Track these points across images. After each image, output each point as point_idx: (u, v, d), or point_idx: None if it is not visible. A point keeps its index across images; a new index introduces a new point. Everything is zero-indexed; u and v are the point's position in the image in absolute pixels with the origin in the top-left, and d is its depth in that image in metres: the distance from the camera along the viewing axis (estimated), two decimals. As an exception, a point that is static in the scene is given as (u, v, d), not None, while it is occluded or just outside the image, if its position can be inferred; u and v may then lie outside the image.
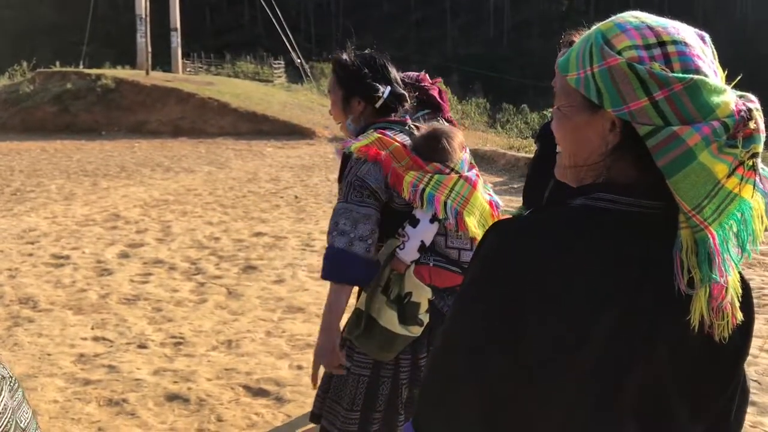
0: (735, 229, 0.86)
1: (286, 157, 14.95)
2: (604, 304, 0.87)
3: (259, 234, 7.26)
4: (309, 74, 28.77)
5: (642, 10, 0.97)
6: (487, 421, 0.91)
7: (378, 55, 2.26)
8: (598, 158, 0.93)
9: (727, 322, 0.89)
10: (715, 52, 0.93)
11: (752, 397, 3.56)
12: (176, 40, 28.52)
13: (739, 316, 0.90)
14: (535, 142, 3.50)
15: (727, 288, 0.87)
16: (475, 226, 2.11)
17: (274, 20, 28.96)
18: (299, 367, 3.85)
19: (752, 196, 0.87)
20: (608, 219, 0.90)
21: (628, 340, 0.88)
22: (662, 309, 0.89)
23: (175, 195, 9.73)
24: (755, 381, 3.72)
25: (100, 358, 3.97)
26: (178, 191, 10.08)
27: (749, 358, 4.14)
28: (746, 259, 0.89)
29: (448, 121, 2.93)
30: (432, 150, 2.11)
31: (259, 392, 3.57)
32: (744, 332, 0.94)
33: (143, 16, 25.14)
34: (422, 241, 2.09)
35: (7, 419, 0.98)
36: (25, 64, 26.11)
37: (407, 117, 2.30)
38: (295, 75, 31.29)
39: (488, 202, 2.21)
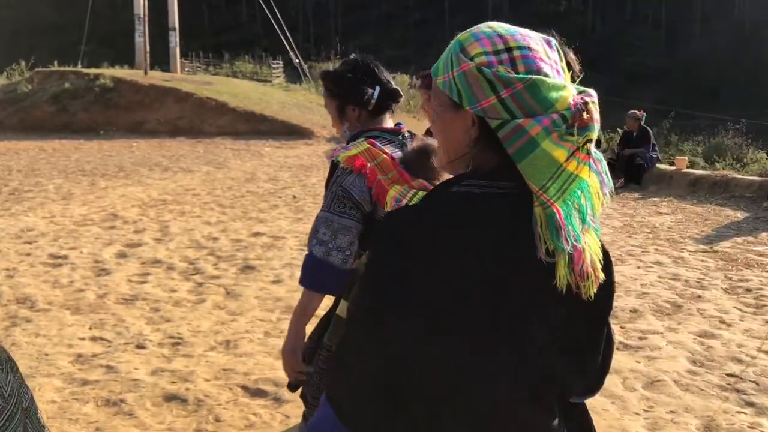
0: (577, 204, 1.00)
1: (285, 156, 14.95)
2: (477, 273, 1.00)
3: (257, 234, 7.25)
4: (307, 74, 28.73)
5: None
6: (387, 380, 1.04)
7: (363, 57, 2.27)
8: (466, 150, 1.07)
9: (591, 282, 1.02)
10: (562, 54, 1.07)
11: (750, 398, 3.54)
12: (174, 39, 28.50)
13: (602, 276, 1.04)
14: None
15: (585, 253, 1.01)
16: None
17: (272, 20, 28.97)
18: (297, 368, 3.85)
19: (589, 176, 1.02)
20: (477, 200, 1.04)
21: (501, 301, 1.01)
22: (530, 275, 1.01)
23: (173, 195, 9.72)
24: (753, 382, 3.70)
25: (97, 359, 3.96)
26: (177, 191, 10.07)
27: (747, 358, 4.12)
28: (587, 228, 1.02)
29: None
30: (422, 166, 2.09)
31: (257, 392, 3.56)
32: (607, 290, 1.09)
33: (141, 16, 25.10)
34: None
35: (13, 403, 1.00)
36: (23, 63, 26.07)
37: (403, 125, 2.30)
38: (293, 75, 31.28)
39: None
